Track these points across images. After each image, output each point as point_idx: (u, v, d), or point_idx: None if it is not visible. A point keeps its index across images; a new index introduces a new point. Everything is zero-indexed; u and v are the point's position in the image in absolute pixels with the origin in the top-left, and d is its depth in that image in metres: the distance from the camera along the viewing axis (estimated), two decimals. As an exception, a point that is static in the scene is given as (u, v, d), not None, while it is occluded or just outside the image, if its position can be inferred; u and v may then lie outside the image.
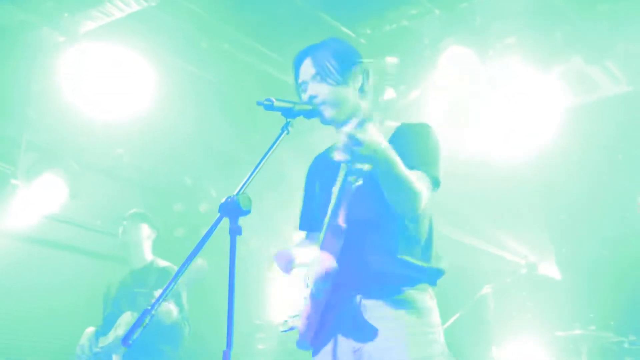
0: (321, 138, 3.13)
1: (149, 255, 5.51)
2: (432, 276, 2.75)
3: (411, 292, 2.65)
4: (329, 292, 2.59)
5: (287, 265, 2.81)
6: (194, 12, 5.53)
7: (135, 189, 7.55)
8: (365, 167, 2.27)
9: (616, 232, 6.56)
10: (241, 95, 6.43)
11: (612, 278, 6.49)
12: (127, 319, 5.04)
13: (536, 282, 6.75)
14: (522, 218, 7.15)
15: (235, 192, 2.27)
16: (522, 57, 5.45)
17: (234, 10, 5.58)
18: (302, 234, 3.14)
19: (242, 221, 2.24)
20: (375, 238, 2.66)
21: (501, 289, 6.42)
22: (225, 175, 7.37)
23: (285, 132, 2.55)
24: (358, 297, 2.64)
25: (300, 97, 2.88)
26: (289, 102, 2.61)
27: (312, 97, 2.77)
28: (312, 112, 2.73)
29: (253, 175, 2.37)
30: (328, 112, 2.78)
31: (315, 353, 2.75)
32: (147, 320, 2.11)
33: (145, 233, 5.54)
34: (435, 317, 2.69)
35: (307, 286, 2.68)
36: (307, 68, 2.84)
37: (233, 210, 2.23)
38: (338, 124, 2.80)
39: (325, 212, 2.63)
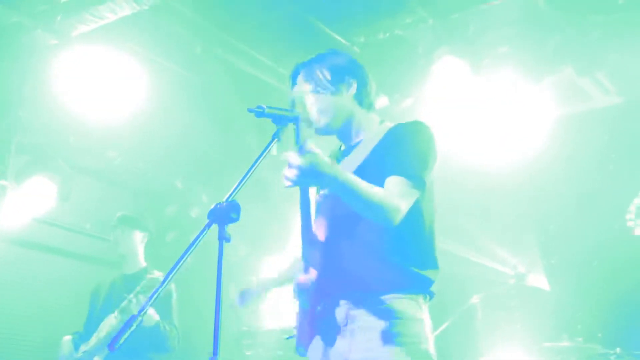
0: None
1: (142, 261, 5.49)
2: (424, 283, 2.68)
3: (398, 301, 2.60)
4: (314, 302, 2.60)
5: (247, 299, 2.86)
6: (187, 16, 5.53)
7: (126, 192, 7.53)
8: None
9: (605, 243, 6.57)
10: (233, 102, 6.43)
11: (600, 290, 6.50)
12: (110, 322, 5.01)
13: (525, 292, 6.75)
14: (511, 228, 7.16)
15: (224, 199, 2.27)
16: (515, 67, 5.48)
17: (228, 15, 5.59)
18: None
19: (231, 228, 2.24)
20: (357, 241, 2.65)
21: (490, 299, 6.42)
22: (217, 180, 7.36)
23: (276, 139, 2.55)
24: (344, 306, 2.64)
25: (294, 106, 2.90)
26: (280, 109, 2.61)
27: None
28: (303, 120, 2.74)
29: (243, 182, 2.37)
30: (321, 121, 2.80)
31: None
32: (134, 325, 2.10)
33: (137, 239, 5.51)
34: (424, 327, 2.63)
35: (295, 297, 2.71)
36: (301, 82, 2.88)
37: (222, 217, 2.23)
38: (332, 131, 2.85)
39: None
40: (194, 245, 2.23)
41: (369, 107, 2.94)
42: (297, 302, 2.68)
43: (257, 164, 2.43)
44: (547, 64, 5.43)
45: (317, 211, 2.68)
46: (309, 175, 2.34)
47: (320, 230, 2.64)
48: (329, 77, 2.83)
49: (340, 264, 2.65)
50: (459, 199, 6.56)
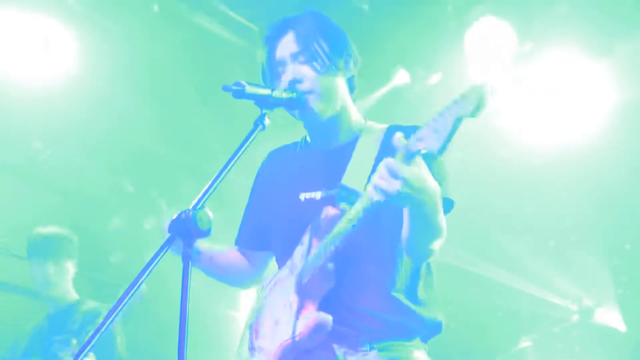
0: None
1: (72, 294, 5.53)
2: (430, 330, 2.84)
3: (403, 349, 2.74)
4: (297, 346, 2.68)
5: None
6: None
7: (55, 196, 7.53)
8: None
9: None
10: (204, 76, 6.45)
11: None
12: None
13: (592, 333, 6.79)
14: (573, 247, 7.19)
15: (191, 206, 2.32)
16: (577, 32, 5.52)
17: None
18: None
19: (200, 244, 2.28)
20: (359, 273, 2.77)
21: (545, 342, 6.47)
22: (180, 182, 7.37)
23: (260, 127, 2.61)
24: (340, 352, 2.73)
25: (270, 80, 2.96)
26: (264, 87, 2.67)
27: (294, 82, 2.84)
28: (295, 102, 2.81)
29: (217, 183, 2.43)
30: (315, 104, 2.84)
31: None
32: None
33: (64, 268, 5.54)
34: None
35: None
36: (288, 44, 2.93)
37: (188, 229, 2.27)
38: (321, 120, 2.91)
39: (283, 234, 2.75)
40: (150, 269, 2.28)
41: (356, 96, 3.02)
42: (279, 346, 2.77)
43: (235, 160, 2.49)
44: (621, 26, 5.47)
45: (316, 234, 2.74)
46: (414, 193, 2.37)
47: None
48: (328, 50, 2.88)
49: (339, 302, 2.74)
50: (500, 211, 6.61)
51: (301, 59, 2.88)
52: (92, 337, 2.23)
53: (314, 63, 2.87)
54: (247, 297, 7.54)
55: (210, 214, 2.30)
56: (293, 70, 2.87)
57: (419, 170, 2.39)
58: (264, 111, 2.64)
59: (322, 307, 2.69)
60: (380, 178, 2.35)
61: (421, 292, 2.82)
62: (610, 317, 7.09)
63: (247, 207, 3.27)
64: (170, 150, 7.41)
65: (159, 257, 2.29)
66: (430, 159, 2.57)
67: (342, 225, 2.59)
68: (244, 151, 2.53)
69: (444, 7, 5.85)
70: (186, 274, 2.24)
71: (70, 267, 5.58)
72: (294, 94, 2.80)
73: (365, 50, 3.18)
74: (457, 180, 2.84)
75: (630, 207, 6.74)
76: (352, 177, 2.79)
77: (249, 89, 2.62)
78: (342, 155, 2.93)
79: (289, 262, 2.89)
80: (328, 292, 2.69)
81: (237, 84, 2.61)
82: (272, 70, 2.98)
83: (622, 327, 7.11)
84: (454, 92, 6.35)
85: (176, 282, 2.25)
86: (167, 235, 2.32)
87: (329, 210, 2.75)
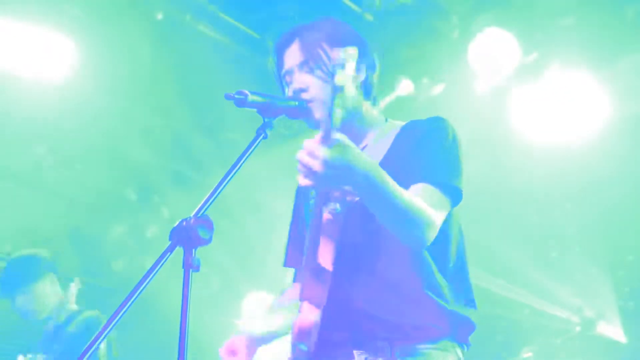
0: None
1: (71, 306, 5.44)
2: (466, 328, 2.74)
3: (435, 354, 2.65)
4: (317, 353, 2.61)
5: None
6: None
7: (57, 203, 7.54)
8: (339, 194, 2.33)
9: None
10: (206, 86, 6.46)
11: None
12: None
13: (594, 344, 6.77)
14: (574, 258, 7.18)
15: (193, 214, 2.31)
16: (581, 43, 5.53)
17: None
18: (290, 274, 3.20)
19: (200, 252, 2.27)
20: (378, 273, 2.70)
21: (547, 353, 6.45)
22: (182, 190, 7.38)
23: (262, 135, 2.59)
24: (359, 359, 2.67)
25: (282, 90, 2.94)
26: (267, 96, 2.66)
27: (298, 91, 2.82)
28: (299, 111, 2.78)
29: (218, 191, 2.41)
30: (319, 113, 2.82)
31: None
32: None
33: (36, 291, 5.32)
34: None
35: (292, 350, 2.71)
36: (294, 53, 2.90)
37: (188, 237, 2.26)
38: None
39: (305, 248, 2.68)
40: (151, 277, 2.25)
41: (375, 99, 2.99)
42: (292, 353, 2.70)
43: (237, 168, 2.47)
44: (624, 39, 5.48)
45: (322, 232, 2.69)
46: (339, 172, 2.33)
47: (326, 258, 2.66)
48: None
49: (355, 303, 2.69)
50: (500, 219, 6.60)
51: (306, 67, 2.86)
52: (89, 348, 2.20)
53: (318, 71, 2.84)
54: (248, 305, 7.53)
55: (212, 222, 2.29)
56: (298, 79, 2.85)
57: (341, 151, 2.33)
58: (266, 120, 2.63)
59: (331, 311, 2.63)
60: (302, 164, 2.33)
61: (451, 287, 2.74)
62: (612, 328, 7.08)
63: (290, 226, 3.18)
64: (172, 158, 7.42)
65: (159, 265, 2.26)
66: (427, 142, 2.67)
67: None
68: (245, 159, 2.51)
69: (448, 18, 5.85)
70: (187, 283, 2.23)
71: (45, 285, 5.36)
72: (297, 102, 2.79)
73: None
74: (464, 178, 2.77)
75: (633, 219, 6.73)
76: None
77: (251, 98, 2.59)
78: None
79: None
80: (335, 294, 2.64)
81: (240, 92, 2.58)
82: (281, 80, 2.96)
83: (623, 339, 7.10)
84: (457, 103, 6.38)
85: (177, 291, 2.24)
86: (168, 242, 2.29)
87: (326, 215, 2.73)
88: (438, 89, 6.17)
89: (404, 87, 6.12)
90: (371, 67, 2.95)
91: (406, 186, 2.58)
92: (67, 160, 7.17)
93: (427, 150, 2.73)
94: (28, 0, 5.60)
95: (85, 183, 7.46)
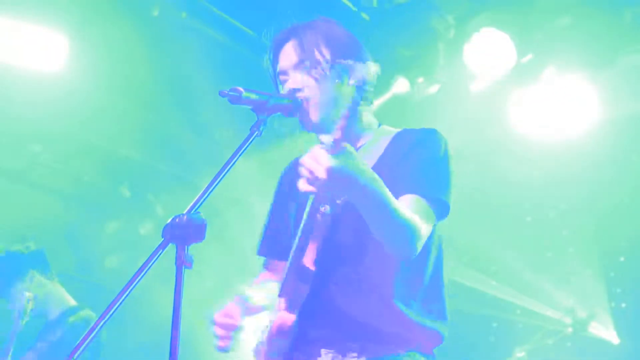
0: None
1: (58, 304, 5.27)
2: (435, 340, 2.79)
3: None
4: (287, 353, 2.63)
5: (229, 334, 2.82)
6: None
7: (55, 200, 7.53)
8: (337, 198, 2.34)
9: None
10: (201, 82, 6.45)
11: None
12: None
13: (585, 345, 6.78)
14: (567, 259, 7.19)
15: (185, 211, 2.30)
16: (578, 44, 5.53)
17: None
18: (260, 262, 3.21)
19: (193, 249, 2.26)
20: (358, 277, 2.71)
21: (539, 354, 6.45)
22: (175, 187, 7.37)
23: (256, 133, 2.58)
24: (326, 357, 2.69)
25: (277, 89, 2.94)
26: (262, 94, 2.64)
27: (293, 91, 2.81)
28: (293, 109, 2.77)
29: (212, 189, 2.40)
30: (313, 114, 2.81)
31: None
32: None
33: (21, 291, 4.99)
34: None
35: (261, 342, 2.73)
36: (289, 53, 2.90)
37: (181, 235, 2.25)
38: (322, 130, 2.85)
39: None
40: (143, 273, 2.25)
41: (370, 102, 2.98)
42: (265, 349, 2.71)
43: (231, 166, 2.46)
44: (621, 42, 5.48)
45: (311, 232, 2.70)
46: (341, 181, 2.34)
47: (309, 257, 2.66)
48: (329, 57, 2.84)
49: (333, 303, 2.70)
50: (493, 221, 6.60)
51: (301, 67, 2.85)
52: (83, 341, 2.19)
53: (313, 71, 2.84)
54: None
55: (205, 219, 2.28)
56: (293, 79, 2.85)
57: (346, 161, 2.35)
58: (260, 117, 2.61)
59: (307, 310, 2.65)
60: (306, 169, 2.34)
61: (426, 299, 2.77)
62: (604, 329, 7.09)
63: (267, 215, 3.19)
64: (166, 155, 7.41)
65: (152, 262, 2.26)
66: (419, 154, 2.68)
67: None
68: (239, 157, 2.50)
69: (444, 18, 5.84)
70: (179, 280, 2.22)
71: (33, 281, 5.09)
72: (292, 101, 2.78)
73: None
74: (453, 193, 2.79)
75: (626, 220, 6.74)
76: None
77: (246, 95, 2.59)
78: None
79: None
80: (308, 297, 2.65)
81: (234, 89, 2.58)
82: (277, 79, 2.95)
83: (615, 340, 7.11)
84: (451, 102, 6.38)
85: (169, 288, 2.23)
86: (161, 239, 2.28)
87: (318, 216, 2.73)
88: (434, 88, 6.17)
89: (400, 86, 6.11)
90: (366, 71, 2.94)
91: (394, 193, 2.58)
92: (60, 158, 7.16)
93: (419, 161, 2.76)
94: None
95: (79, 180, 7.45)
